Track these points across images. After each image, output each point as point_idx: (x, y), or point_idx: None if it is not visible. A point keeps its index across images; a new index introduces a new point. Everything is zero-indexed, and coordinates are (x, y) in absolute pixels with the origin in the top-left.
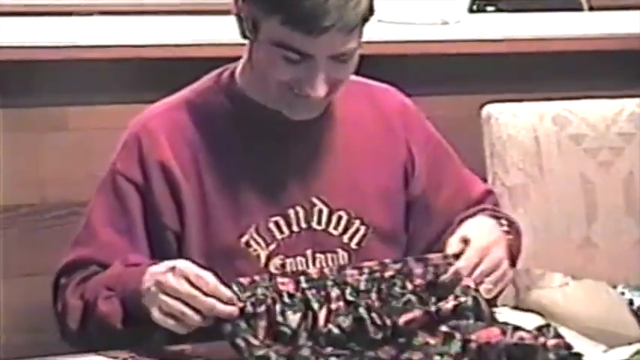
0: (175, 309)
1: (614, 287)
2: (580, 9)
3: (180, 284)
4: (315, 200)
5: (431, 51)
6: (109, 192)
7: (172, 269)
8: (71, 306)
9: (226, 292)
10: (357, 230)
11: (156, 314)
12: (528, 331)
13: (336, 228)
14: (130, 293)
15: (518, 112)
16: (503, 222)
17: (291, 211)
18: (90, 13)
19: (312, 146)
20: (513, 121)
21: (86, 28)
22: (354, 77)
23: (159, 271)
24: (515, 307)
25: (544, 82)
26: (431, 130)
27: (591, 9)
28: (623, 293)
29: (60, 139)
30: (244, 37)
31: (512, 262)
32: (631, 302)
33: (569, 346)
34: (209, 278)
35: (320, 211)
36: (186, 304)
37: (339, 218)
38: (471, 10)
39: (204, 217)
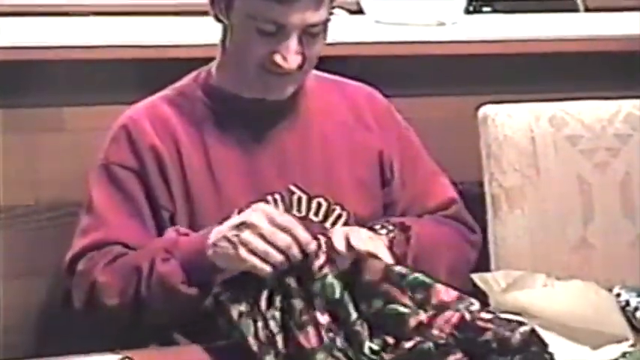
0: (258, 245)
1: (610, 289)
2: (576, 10)
3: (262, 222)
4: (292, 188)
5: (427, 52)
6: (106, 184)
7: (252, 208)
8: (105, 283)
9: (304, 235)
10: (340, 216)
11: (236, 253)
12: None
13: (316, 214)
14: (194, 253)
15: (514, 113)
16: (382, 228)
17: (270, 199)
18: (85, 14)
19: (287, 135)
20: (510, 122)
21: (81, 28)
22: (329, 76)
23: (236, 217)
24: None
25: (540, 83)
26: (403, 130)
27: (587, 10)
28: (619, 294)
29: (56, 139)
30: (218, 20)
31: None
32: (627, 303)
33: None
34: (290, 219)
35: (299, 199)
36: (268, 243)
37: (319, 205)
38: (467, 11)
39: (189, 204)
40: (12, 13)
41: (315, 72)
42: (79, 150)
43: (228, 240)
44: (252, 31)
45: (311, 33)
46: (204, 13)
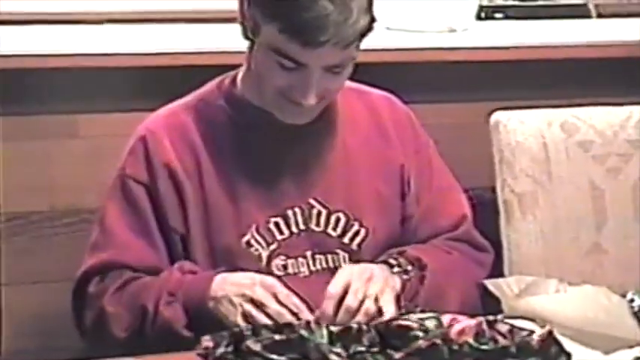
0: (258, 320)
1: (624, 294)
2: (588, 16)
3: (269, 300)
4: (312, 202)
5: (438, 58)
6: (120, 196)
7: (259, 282)
8: (114, 314)
9: (309, 316)
10: (358, 232)
11: (236, 319)
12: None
13: (334, 229)
14: (196, 300)
15: (526, 119)
16: (399, 266)
17: (289, 212)
18: (100, 22)
19: (309, 148)
20: (522, 128)
21: (96, 36)
22: (352, 84)
23: (243, 282)
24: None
25: (552, 89)
26: (422, 141)
27: (599, 16)
28: (632, 300)
29: (70, 146)
30: (246, 38)
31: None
32: None
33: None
34: (296, 300)
35: (319, 213)
36: (268, 317)
37: (338, 220)
38: (478, 18)
39: (206, 217)
40: (27, 22)
41: None
42: (94, 157)
43: (232, 304)
44: (273, 62)
45: (333, 71)
46: (219, 20)
